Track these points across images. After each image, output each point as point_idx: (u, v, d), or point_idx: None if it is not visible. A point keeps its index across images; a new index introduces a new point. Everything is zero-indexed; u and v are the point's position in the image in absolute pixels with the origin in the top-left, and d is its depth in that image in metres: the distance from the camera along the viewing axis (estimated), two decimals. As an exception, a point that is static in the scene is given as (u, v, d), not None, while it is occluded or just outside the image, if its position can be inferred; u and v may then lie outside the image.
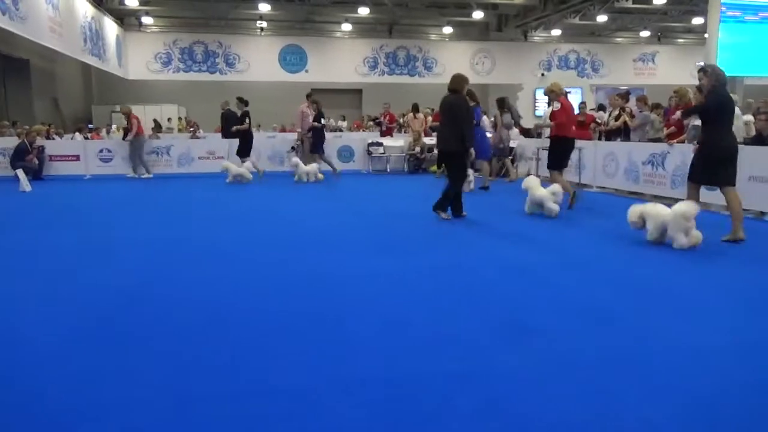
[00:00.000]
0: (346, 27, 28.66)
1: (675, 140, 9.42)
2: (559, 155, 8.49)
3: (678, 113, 9.17)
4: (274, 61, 28.46)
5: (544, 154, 11.79)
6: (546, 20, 26.55)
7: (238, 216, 7.99)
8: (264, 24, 28.27)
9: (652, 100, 11.59)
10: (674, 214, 5.64)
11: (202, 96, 28.01)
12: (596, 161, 11.24)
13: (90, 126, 22.44)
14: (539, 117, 14.97)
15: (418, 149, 14.79)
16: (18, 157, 12.66)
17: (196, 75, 28.04)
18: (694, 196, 6.14)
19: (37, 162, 12.98)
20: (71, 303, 4.05)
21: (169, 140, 16.59)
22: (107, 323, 3.65)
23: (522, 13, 27.23)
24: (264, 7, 25.62)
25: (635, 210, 5.97)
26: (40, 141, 13.41)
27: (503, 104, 12.56)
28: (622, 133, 11.52)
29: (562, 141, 8.42)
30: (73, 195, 10.46)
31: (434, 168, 14.43)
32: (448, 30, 29.51)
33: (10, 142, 13.42)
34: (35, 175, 12.70)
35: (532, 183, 7.82)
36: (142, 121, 14.43)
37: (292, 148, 14.59)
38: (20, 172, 11.27)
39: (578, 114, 12.35)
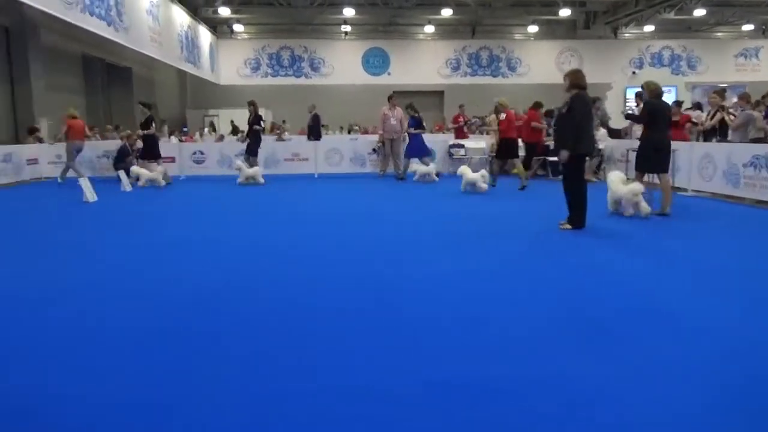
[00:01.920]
0: (429, 29, 28.65)
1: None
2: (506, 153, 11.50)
3: None
4: (358, 64, 28.91)
5: (634, 156, 11.33)
6: (638, 16, 25.43)
7: (325, 215, 8.16)
8: (348, 28, 28.77)
9: (755, 97, 10.83)
10: (626, 191, 7.57)
11: (288, 99, 28.86)
12: (692, 163, 10.64)
13: (185, 129, 23.66)
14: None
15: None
16: (120, 158, 13.53)
17: (283, 79, 28.95)
18: (640, 180, 7.79)
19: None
20: (153, 299, 4.29)
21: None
22: (190, 320, 3.83)
23: (612, 10, 26.22)
24: (348, 12, 26.07)
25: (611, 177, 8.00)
26: (140, 144, 14.26)
27: (594, 104, 12.26)
28: (718, 132, 10.83)
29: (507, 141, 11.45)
30: (169, 195, 11.05)
31: (518, 170, 14.12)
32: (533, 29, 28.88)
33: (114, 145, 14.39)
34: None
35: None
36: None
37: (374, 149, 14.75)
38: (122, 173, 12.06)
39: (672, 114, 11.78)
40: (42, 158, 14.32)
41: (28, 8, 13.66)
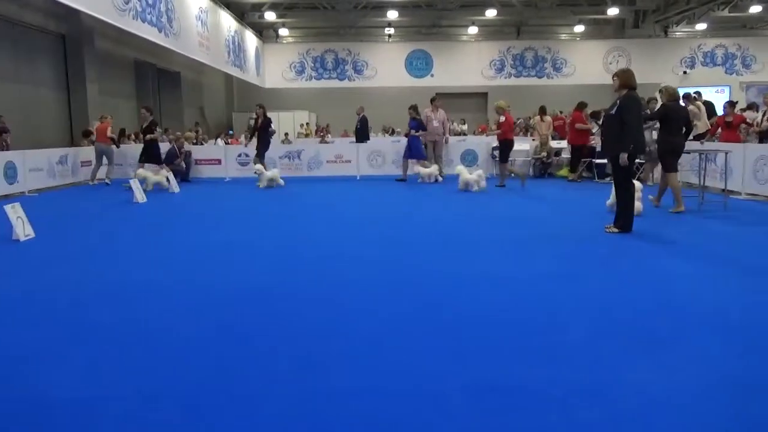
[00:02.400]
0: (473, 30, 28.48)
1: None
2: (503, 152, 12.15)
3: None
4: (401, 66, 28.96)
5: (684, 157, 10.98)
6: (690, 14, 24.71)
7: (366, 216, 8.21)
8: (391, 30, 28.86)
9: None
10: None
11: (332, 102, 29.14)
12: (745, 166, 10.26)
13: (230, 132, 24.17)
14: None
15: (544, 153, 14.34)
16: (168, 161, 13.92)
17: (327, 82, 29.23)
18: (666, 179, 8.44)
19: (184, 165, 14.20)
20: (200, 298, 4.39)
21: (300, 145, 17.43)
22: (234, 319, 3.91)
23: (662, 8, 25.53)
24: (392, 14, 26.16)
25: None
26: (187, 146, 14.65)
27: (648, 104, 12.07)
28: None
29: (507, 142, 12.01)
30: (215, 196, 11.30)
31: (563, 172, 13.91)
32: (579, 29, 28.40)
33: (163, 147, 14.81)
34: (183, 177, 13.91)
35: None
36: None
37: (417, 152, 14.73)
38: (170, 175, 12.40)
39: (725, 114, 11.41)
40: (96, 160, 14.82)
41: (84, 16, 14.21)
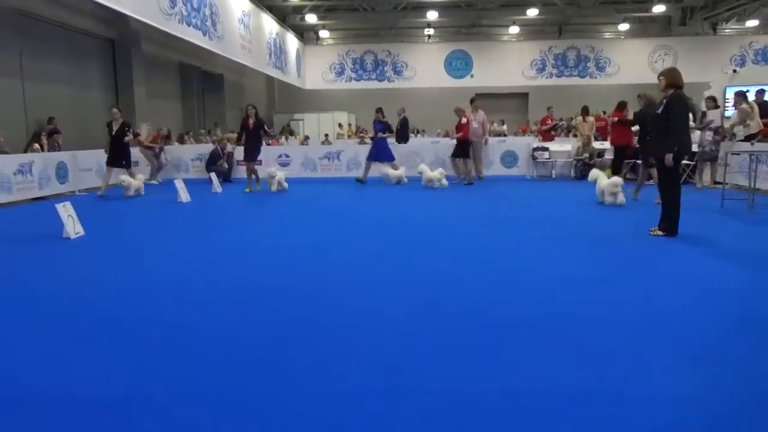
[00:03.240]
0: (513, 29, 28.22)
1: None
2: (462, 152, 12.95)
3: None
4: (440, 67, 28.89)
5: (734, 159, 10.66)
6: (740, 10, 23.92)
7: (405, 218, 8.23)
8: (431, 31, 28.82)
9: None
10: (607, 184, 9.10)
11: (371, 103, 29.16)
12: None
13: (272, 133, 24.50)
14: (729, 119, 13.47)
15: (586, 154, 14.08)
16: (211, 161, 14.22)
17: (366, 83, 29.37)
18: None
19: (227, 166, 14.47)
20: (235, 298, 4.47)
21: (340, 146, 17.57)
22: (273, 319, 3.97)
23: (711, 4, 24.80)
24: (432, 15, 26.13)
25: (593, 174, 9.89)
26: (230, 147, 14.92)
27: (715, 102, 11.85)
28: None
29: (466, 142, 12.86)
30: (254, 196, 11.47)
31: (606, 173, 13.62)
32: (624, 27, 27.84)
33: (207, 148, 15.13)
34: (225, 177, 14.18)
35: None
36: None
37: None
38: (213, 175, 12.68)
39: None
40: (141, 161, 15.25)
41: (132, 21, 14.63)
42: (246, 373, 3.03)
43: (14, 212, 9.68)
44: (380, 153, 13.28)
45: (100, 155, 13.49)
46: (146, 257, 5.90)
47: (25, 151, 11.43)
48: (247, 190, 12.02)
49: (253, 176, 12.17)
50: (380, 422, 2.51)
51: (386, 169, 13.13)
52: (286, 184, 12.17)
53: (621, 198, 9.01)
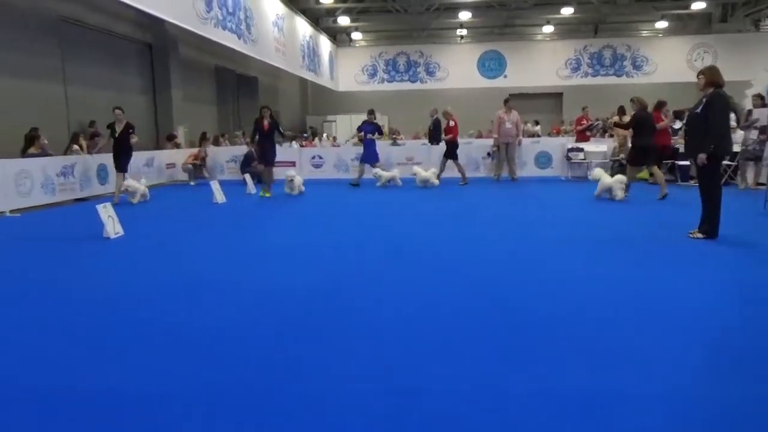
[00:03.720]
0: (548, 29, 27.90)
1: None
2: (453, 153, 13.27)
3: None
4: (473, 67, 28.72)
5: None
6: (785, 6, 23.15)
7: (440, 218, 8.21)
8: (464, 31, 28.69)
9: None
10: (614, 180, 9.91)
11: (403, 104, 29.24)
12: None
13: (305, 135, 24.73)
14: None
15: (623, 155, 13.81)
16: (246, 163, 14.40)
17: (398, 84, 29.39)
18: (633, 174, 10.15)
19: (260, 168, 14.63)
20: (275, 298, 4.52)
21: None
22: (304, 318, 4.00)
23: (753, 1, 24.07)
24: (464, 15, 26.00)
25: (596, 173, 10.50)
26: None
27: (762, 100, 11.54)
28: None
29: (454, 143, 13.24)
30: (287, 197, 11.58)
31: (643, 174, 13.36)
32: (662, 24, 27.26)
33: (241, 150, 15.34)
34: (259, 179, 14.34)
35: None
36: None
37: (488, 154, 14.59)
38: (247, 177, 12.84)
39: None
40: (179, 162, 15.57)
41: (169, 25, 14.95)
42: (272, 373, 3.06)
43: (57, 213, 9.98)
44: (368, 155, 13.33)
45: (138, 157, 13.83)
46: (181, 257, 6.01)
47: (65, 153, 11.77)
48: (266, 194, 11.58)
49: (265, 180, 11.84)
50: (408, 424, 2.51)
51: (378, 171, 13.14)
52: (302, 188, 11.97)
53: (622, 194, 9.79)
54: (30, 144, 10.85)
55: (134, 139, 10.89)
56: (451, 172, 13.31)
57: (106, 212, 7.09)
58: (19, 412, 2.67)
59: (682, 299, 4.21)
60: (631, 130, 10.37)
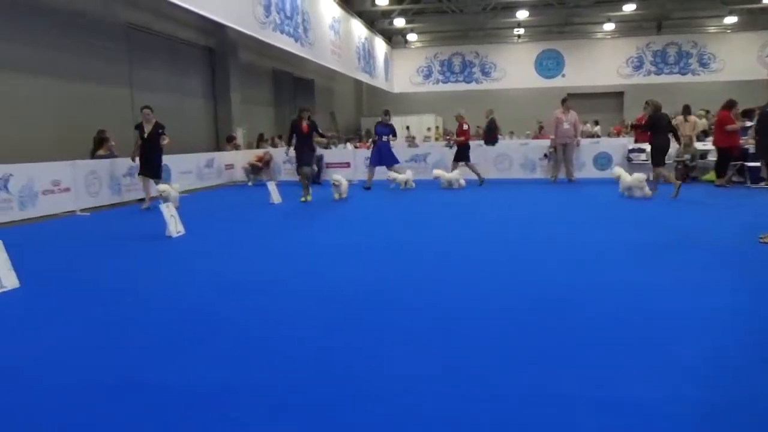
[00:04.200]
0: (609, 26, 27.17)
1: None
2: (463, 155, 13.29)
3: None
4: (530, 67, 28.29)
5: None
6: None
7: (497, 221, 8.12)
8: (521, 31, 28.28)
9: None
10: (633, 178, 10.23)
11: (459, 105, 28.94)
12: None
13: (328, 135, 24.90)
14: None
15: (688, 156, 13.29)
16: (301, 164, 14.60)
17: (454, 85, 29.25)
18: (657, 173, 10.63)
19: (316, 169, 14.83)
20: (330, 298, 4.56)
21: (427, 148, 17.57)
22: (356, 319, 4.03)
23: (832, -8, 22.75)
24: (522, 14, 25.63)
25: (616, 172, 10.83)
26: (319, 150, 15.29)
27: None
28: None
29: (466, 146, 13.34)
30: (339, 200, 11.68)
31: (710, 176, 12.82)
32: (731, 20, 26.10)
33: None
34: (315, 179, 14.54)
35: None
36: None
37: (545, 155, 14.31)
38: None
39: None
40: (237, 164, 15.96)
41: (230, 30, 15.36)
42: (326, 370, 3.09)
43: (123, 212, 10.41)
44: (382, 157, 12.93)
45: (199, 158, 14.28)
46: (238, 257, 6.15)
47: (132, 155, 12.24)
48: (302, 199, 10.88)
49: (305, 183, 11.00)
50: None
51: (393, 174, 12.81)
52: (345, 194, 11.10)
53: (647, 191, 10.14)
54: (99, 146, 11.34)
55: (165, 141, 10.34)
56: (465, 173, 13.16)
57: (168, 211, 7.34)
58: (86, 405, 2.79)
59: (754, 306, 4.01)
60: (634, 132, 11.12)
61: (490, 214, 8.94)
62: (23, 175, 8.99)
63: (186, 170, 13.49)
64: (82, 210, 10.00)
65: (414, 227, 7.91)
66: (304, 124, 10.79)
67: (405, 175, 12.91)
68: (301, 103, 23.58)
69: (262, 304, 4.37)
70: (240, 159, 15.99)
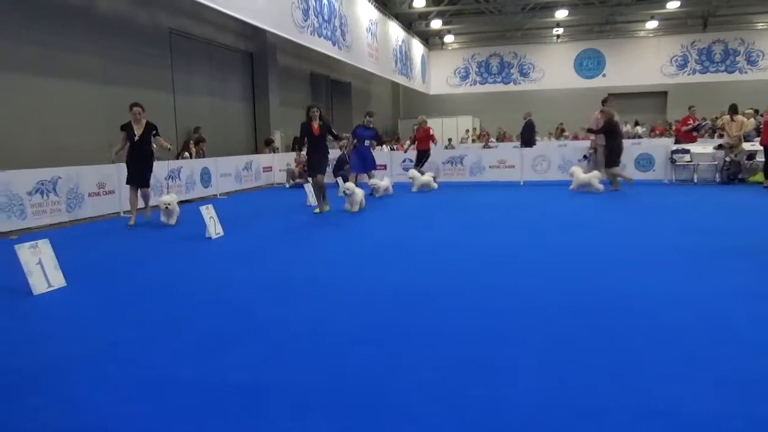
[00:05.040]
0: (651, 24, 26.56)
1: None
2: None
3: None
4: (569, 67, 27.88)
5: None
6: None
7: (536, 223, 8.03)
8: (560, 30, 27.88)
9: None
10: (591, 175, 11.62)
11: (496, 106, 28.84)
12: None
13: (343, 136, 24.94)
14: None
15: (733, 155, 12.87)
16: (338, 167, 14.72)
17: (491, 86, 29.03)
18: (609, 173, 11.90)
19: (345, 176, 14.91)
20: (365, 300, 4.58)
21: (463, 150, 17.49)
22: (395, 321, 4.03)
23: None
24: (561, 14, 25.27)
25: (573, 171, 12.10)
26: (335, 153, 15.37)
27: None
28: None
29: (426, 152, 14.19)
30: (377, 200, 11.72)
31: (758, 177, 12.40)
32: (780, 16, 25.15)
33: (334, 154, 15.69)
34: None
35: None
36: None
37: (584, 156, 14.06)
38: (339, 180, 13.13)
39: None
40: (275, 166, 16.17)
41: (269, 35, 15.59)
42: (369, 371, 3.11)
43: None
44: (366, 163, 12.26)
45: (238, 161, 14.52)
46: (277, 257, 6.24)
47: (177, 158, 12.55)
48: (317, 211, 9.72)
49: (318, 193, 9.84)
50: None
51: (374, 180, 12.18)
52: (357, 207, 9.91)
53: (600, 187, 11.50)
54: (196, 145, 11.58)
55: (168, 145, 9.05)
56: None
57: (208, 213, 7.49)
58: (127, 399, 2.88)
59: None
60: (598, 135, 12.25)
61: (524, 216, 8.83)
62: (70, 178, 9.30)
63: (225, 173, 13.75)
64: (125, 212, 10.28)
65: (456, 228, 7.88)
66: (315, 125, 9.32)
67: (384, 182, 12.18)
68: (338, 105, 23.77)
69: (298, 304, 4.42)
70: (277, 161, 16.20)
